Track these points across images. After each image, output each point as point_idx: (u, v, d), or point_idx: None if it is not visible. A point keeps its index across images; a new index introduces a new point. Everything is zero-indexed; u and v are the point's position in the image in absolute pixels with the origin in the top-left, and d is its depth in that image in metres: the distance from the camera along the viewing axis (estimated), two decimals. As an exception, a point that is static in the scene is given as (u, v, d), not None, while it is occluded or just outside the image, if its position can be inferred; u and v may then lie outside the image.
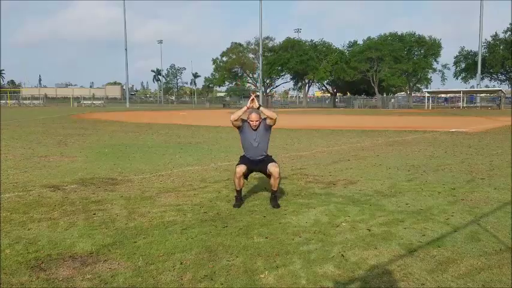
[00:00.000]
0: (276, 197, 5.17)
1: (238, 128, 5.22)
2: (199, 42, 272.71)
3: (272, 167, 5.07)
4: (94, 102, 75.39)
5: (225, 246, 3.74)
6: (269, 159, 5.22)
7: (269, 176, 5.13)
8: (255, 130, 5.12)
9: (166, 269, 3.24)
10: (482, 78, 61.15)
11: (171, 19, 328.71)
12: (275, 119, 5.12)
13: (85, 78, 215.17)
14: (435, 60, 65.13)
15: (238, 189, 5.14)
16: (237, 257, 3.49)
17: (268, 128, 5.19)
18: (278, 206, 5.03)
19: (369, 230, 4.15)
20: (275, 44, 71.58)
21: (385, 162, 8.53)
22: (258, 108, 5.14)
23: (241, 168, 5.08)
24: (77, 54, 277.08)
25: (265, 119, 5.17)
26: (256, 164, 5.17)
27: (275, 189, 5.12)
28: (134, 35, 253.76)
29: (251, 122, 5.09)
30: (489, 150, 10.24)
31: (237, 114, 5.10)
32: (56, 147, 11.13)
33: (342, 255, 3.51)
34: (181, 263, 3.34)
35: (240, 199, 5.18)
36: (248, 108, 5.15)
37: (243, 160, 5.21)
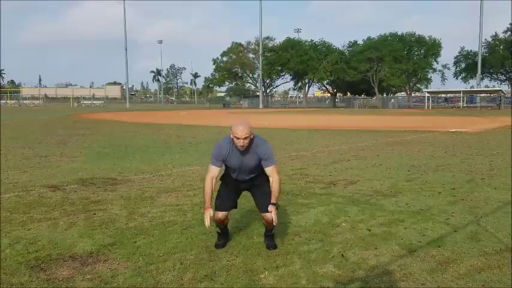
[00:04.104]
0: (272, 236, 3.78)
1: None
2: (200, 43, 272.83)
3: (265, 217, 3.63)
4: (94, 102, 75.43)
5: (225, 246, 3.74)
6: (264, 188, 3.67)
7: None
8: (243, 154, 3.58)
9: (166, 269, 3.24)
10: (482, 78, 61.18)
11: (174, 19, 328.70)
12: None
13: (85, 78, 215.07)
14: (435, 60, 65.25)
15: (221, 227, 3.80)
16: (237, 257, 3.49)
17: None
18: (274, 247, 3.69)
19: (369, 230, 4.15)
20: (275, 44, 71.65)
21: (385, 162, 8.53)
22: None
23: (222, 214, 3.70)
24: (77, 55, 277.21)
25: (262, 160, 3.62)
26: (245, 184, 3.79)
27: (270, 228, 3.72)
28: (138, 36, 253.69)
29: (237, 140, 3.48)
30: (489, 150, 10.24)
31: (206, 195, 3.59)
32: (56, 147, 11.13)
33: (342, 255, 3.51)
34: (181, 263, 3.34)
35: (224, 236, 3.84)
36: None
37: (226, 185, 3.78)
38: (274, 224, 3.53)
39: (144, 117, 28.78)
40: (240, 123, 3.53)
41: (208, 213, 3.53)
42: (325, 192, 5.80)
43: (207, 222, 3.51)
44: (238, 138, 3.48)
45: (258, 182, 3.75)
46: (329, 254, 3.54)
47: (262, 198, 3.67)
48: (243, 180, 3.75)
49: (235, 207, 3.92)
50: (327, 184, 6.35)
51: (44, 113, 35.98)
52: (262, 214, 3.69)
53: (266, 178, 3.71)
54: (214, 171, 3.63)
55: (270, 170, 3.62)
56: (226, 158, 3.62)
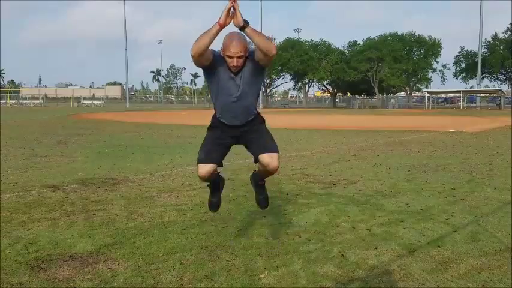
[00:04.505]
0: (263, 186, 3.48)
1: (205, 68, 2.96)
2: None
3: (267, 158, 3.07)
4: (94, 102, 75.49)
5: (225, 246, 3.74)
6: (260, 128, 3.20)
7: (258, 162, 3.20)
8: (236, 74, 2.92)
9: (166, 269, 3.23)
10: (482, 78, 61.22)
11: (174, 19, 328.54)
12: (272, 53, 2.78)
13: (85, 78, 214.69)
14: (435, 60, 65.29)
15: (207, 183, 3.42)
16: (237, 257, 3.49)
17: (260, 70, 2.98)
18: (266, 202, 3.49)
19: (369, 230, 4.15)
20: (275, 44, 71.62)
21: (385, 162, 8.53)
22: (243, 28, 2.72)
23: (207, 168, 3.13)
24: (77, 55, 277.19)
25: (253, 53, 2.91)
26: (237, 134, 3.17)
27: (264, 174, 3.36)
28: (138, 36, 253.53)
29: (230, 60, 2.82)
30: (489, 150, 10.24)
31: (204, 39, 2.70)
32: (56, 147, 11.13)
33: (342, 255, 3.51)
34: (181, 263, 3.34)
35: (216, 189, 3.47)
36: (221, 25, 2.70)
37: (213, 136, 3.21)
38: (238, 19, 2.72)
39: (144, 117, 28.78)
40: (233, 37, 2.73)
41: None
42: (325, 192, 5.80)
43: (224, 17, 2.71)
44: (231, 57, 2.75)
45: (253, 134, 3.17)
46: (329, 254, 3.54)
47: (259, 139, 3.13)
48: (233, 126, 3.12)
49: (221, 165, 3.25)
50: (327, 184, 6.35)
51: (44, 113, 35.98)
52: (260, 156, 3.08)
53: (263, 126, 3.22)
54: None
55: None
56: (217, 63, 2.88)
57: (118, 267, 3.27)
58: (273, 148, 3.12)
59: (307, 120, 26.96)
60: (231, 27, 2.79)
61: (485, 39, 61.78)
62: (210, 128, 3.27)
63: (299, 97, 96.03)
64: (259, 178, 3.38)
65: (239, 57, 2.77)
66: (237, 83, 2.94)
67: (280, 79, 76.19)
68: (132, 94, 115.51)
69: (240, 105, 3.03)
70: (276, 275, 3.14)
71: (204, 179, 3.16)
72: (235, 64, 2.80)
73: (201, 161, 3.13)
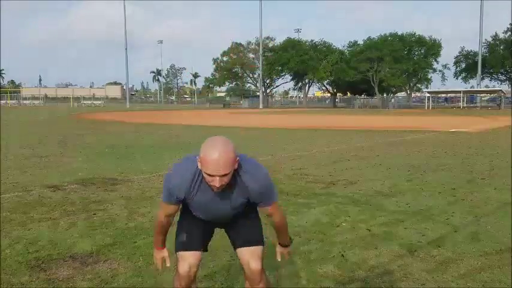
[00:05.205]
0: None
1: None
2: (201, 43, 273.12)
3: (247, 254, 2.37)
4: (94, 102, 75.62)
5: (225, 246, 3.73)
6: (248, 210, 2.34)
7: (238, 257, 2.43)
8: (220, 195, 2.14)
9: (166, 269, 3.23)
10: (482, 78, 61.26)
11: (174, 19, 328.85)
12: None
13: (85, 78, 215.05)
14: (435, 60, 65.36)
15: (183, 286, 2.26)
16: (237, 257, 3.48)
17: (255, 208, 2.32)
18: None
19: (369, 230, 4.15)
20: (275, 44, 71.75)
21: (385, 162, 8.53)
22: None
23: (194, 258, 2.26)
24: (77, 54, 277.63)
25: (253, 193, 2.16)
26: (219, 224, 2.42)
27: None
28: (138, 36, 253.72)
29: (210, 179, 1.99)
30: (489, 150, 10.24)
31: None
32: (56, 147, 11.13)
33: (342, 255, 3.51)
34: (181, 263, 3.34)
35: None
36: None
37: (192, 220, 2.31)
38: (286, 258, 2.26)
39: (144, 117, 28.78)
40: (214, 147, 1.96)
41: (162, 253, 2.30)
42: (325, 192, 5.80)
43: (160, 264, 2.29)
44: (211, 176, 1.98)
45: (237, 225, 2.43)
46: (329, 254, 3.54)
47: (244, 223, 2.37)
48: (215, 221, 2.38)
49: (206, 249, 2.49)
50: (327, 184, 6.35)
51: (44, 113, 35.99)
52: (238, 251, 2.38)
53: (249, 233, 2.41)
54: (170, 209, 2.24)
55: (268, 210, 2.30)
56: (189, 199, 2.18)
57: (118, 267, 3.27)
58: (255, 241, 2.37)
59: (307, 120, 26.97)
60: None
61: (485, 39, 61.94)
62: (185, 208, 2.34)
63: (299, 97, 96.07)
64: None
65: (222, 176, 1.99)
66: (220, 208, 2.23)
67: (280, 79, 76.35)
68: (132, 94, 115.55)
69: (223, 216, 2.33)
70: (276, 275, 3.14)
71: (186, 273, 2.21)
72: (217, 185, 2.01)
73: (182, 246, 2.27)
